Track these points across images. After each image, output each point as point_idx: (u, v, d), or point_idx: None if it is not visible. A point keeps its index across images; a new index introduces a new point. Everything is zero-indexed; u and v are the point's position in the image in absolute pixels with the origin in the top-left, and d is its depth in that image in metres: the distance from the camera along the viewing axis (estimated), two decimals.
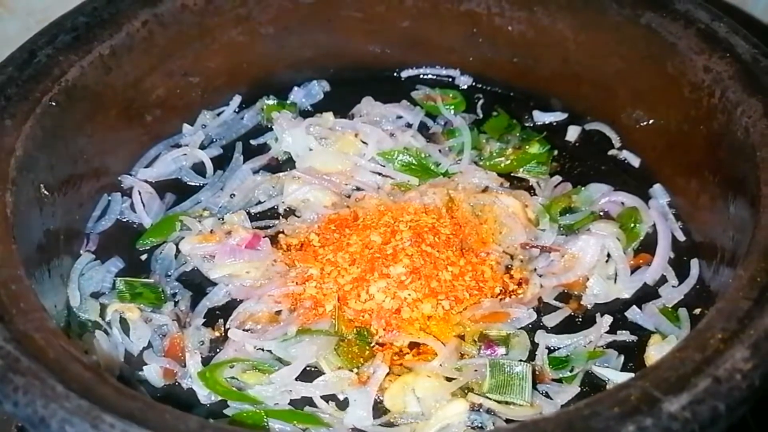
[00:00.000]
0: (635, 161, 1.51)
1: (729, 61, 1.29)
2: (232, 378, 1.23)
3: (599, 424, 0.85)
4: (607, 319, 1.28)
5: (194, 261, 1.38)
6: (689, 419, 0.85)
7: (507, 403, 1.19)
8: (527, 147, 1.51)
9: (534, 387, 1.21)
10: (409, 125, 1.60)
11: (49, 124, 1.27)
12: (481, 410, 1.18)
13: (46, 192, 1.27)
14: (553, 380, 1.23)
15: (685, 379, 0.89)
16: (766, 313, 0.96)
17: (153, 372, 1.25)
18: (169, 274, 1.38)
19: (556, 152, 1.54)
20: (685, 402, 0.87)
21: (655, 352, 1.23)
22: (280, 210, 1.48)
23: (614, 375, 1.22)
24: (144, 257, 1.41)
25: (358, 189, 1.50)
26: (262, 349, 1.26)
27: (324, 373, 1.23)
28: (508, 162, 1.52)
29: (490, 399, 1.19)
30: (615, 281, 1.34)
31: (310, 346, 1.24)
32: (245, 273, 1.36)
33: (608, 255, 1.36)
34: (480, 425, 1.17)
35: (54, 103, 1.28)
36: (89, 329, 1.29)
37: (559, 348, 1.27)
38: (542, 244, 1.39)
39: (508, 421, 1.17)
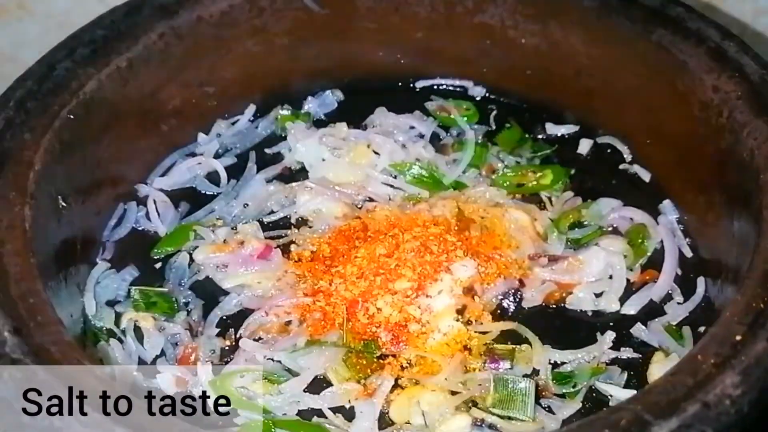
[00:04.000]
0: (646, 176, 1.56)
1: (738, 81, 1.33)
2: (242, 387, 1.28)
3: None
4: (610, 335, 1.33)
5: (207, 270, 1.44)
6: None
7: (510, 418, 1.23)
8: (541, 177, 1.55)
9: (537, 402, 1.25)
10: (422, 136, 1.64)
11: (67, 136, 1.33)
12: (483, 425, 1.23)
13: (63, 203, 1.33)
14: (556, 395, 1.28)
15: (676, 404, 0.94)
16: (759, 339, 1.00)
17: (166, 380, 1.30)
18: (183, 283, 1.44)
19: (573, 171, 1.58)
20: (674, 426, 0.92)
21: (658, 369, 1.27)
22: (293, 220, 1.53)
23: (617, 391, 1.27)
24: (158, 266, 1.47)
25: (370, 200, 1.55)
26: (272, 359, 1.31)
27: (332, 385, 1.28)
28: (521, 186, 1.56)
29: (492, 414, 1.23)
30: (601, 295, 1.39)
31: (319, 357, 1.29)
32: (257, 283, 1.41)
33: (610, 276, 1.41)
34: None
35: (72, 116, 1.34)
36: (104, 337, 1.35)
37: (563, 363, 1.31)
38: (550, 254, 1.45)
39: None
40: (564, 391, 1.28)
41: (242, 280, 1.42)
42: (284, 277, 1.42)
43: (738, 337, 1.01)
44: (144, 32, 1.46)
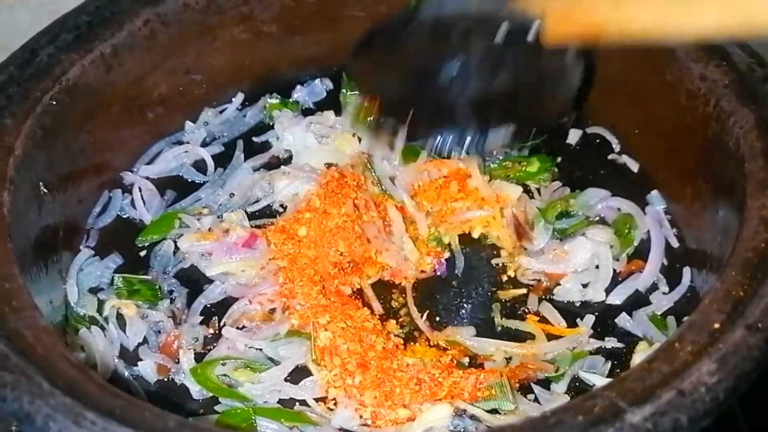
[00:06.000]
0: (634, 166, 1.54)
1: (725, 70, 1.31)
2: (224, 375, 1.28)
3: None
4: (590, 319, 1.33)
5: (192, 258, 1.43)
6: (650, 430, 0.89)
7: (496, 411, 1.22)
8: (527, 165, 1.54)
9: (524, 396, 1.25)
10: None
11: (49, 122, 1.32)
12: (464, 415, 1.22)
13: (45, 190, 1.32)
14: (539, 381, 1.27)
15: (651, 391, 0.93)
16: (737, 327, 0.99)
17: (147, 368, 1.30)
18: (167, 270, 1.42)
19: (559, 159, 1.56)
20: (648, 413, 0.91)
21: (641, 359, 1.24)
22: (275, 207, 1.52)
23: (601, 381, 1.25)
24: (143, 253, 1.46)
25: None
26: (254, 348, 1.31)
27: (312, 375, 1.27)
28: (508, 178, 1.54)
29: (476, 407, 1.22)
30: (587, 285, 1.39)
31: (300, 347, 1.29)
32: (241, 271, 1.40)
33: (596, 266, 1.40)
34: (462, 430, 1.21)
35: (54, 102, 1.33)
36: (86, 324, 1.34)
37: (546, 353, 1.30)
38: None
39: None
40: (547, 375, 1.27)
41: (226, 267, 1.40)
42: (268, 265, 1.41)
43: (716, 325, 1.00)
44: (129, 18, 1.44)
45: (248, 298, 1.37)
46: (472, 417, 1.21)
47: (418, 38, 1.33)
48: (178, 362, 1.30)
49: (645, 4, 1.04)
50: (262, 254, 1.41)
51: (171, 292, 1.40)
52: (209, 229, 1.45)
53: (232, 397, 1.25)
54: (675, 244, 1.43)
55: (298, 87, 1.69)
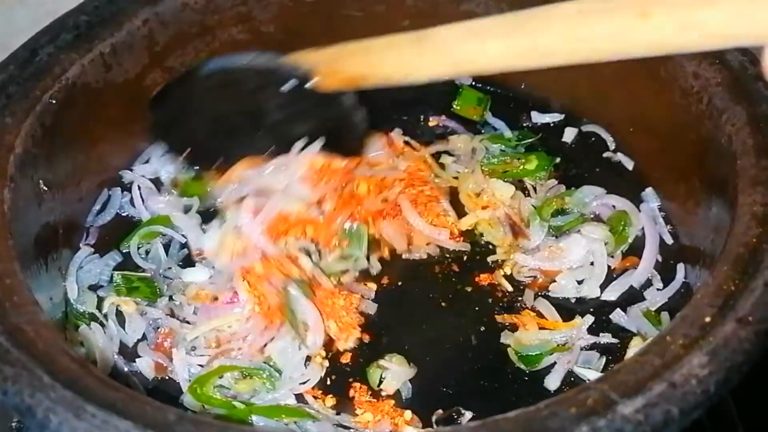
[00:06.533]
0: (629, 164, 1.56)
1: (718, 68, 1.33)
2: (222, 387, 1.28)
3: (555, 425, 0.90)
4: (589, 319, 1.35)
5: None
6: (642, 421, 0.90)
7: None
8: (526, 163, 1.56)
9: None
10: None
11: (49, 121, 1.33)
12: None
13: (45, 188, 1.33)
14: (532, 373, 1.30)
15: (642, 383, 0.94)
16: (728, 320, 1.00)
17: (145, 364, 1.32)
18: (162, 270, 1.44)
19: (558, 159, 1.58)
20: (640, 405, 0.92)
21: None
22: None
23: (595, 377, 1.25)
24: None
25: None
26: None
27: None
28: (506, 173, 1.56)
29: None
30: (582, 282, 1.40)
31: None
32: (227, 327, 1.35)
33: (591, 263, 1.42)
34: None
35: (54, 101, 1.34)
36: (86, 321, 1.36)
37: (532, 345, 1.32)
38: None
39: None
40: (529, 369, 1.30)
41: (214, 324, 1.35)
42: (255, 311, 1.34)
43: (707, 319, 1.01)
44: (128, 18, 1.46)
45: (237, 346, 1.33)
46: None
47: (210, 91, 1.43)
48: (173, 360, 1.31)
49: (388, 56, 1.26)
50: (245, 304, 1.35)
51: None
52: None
53: (230, 409, 1.25)
54: (669, 240, 1.44)
55: None
